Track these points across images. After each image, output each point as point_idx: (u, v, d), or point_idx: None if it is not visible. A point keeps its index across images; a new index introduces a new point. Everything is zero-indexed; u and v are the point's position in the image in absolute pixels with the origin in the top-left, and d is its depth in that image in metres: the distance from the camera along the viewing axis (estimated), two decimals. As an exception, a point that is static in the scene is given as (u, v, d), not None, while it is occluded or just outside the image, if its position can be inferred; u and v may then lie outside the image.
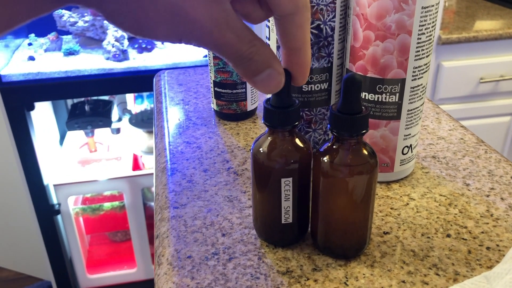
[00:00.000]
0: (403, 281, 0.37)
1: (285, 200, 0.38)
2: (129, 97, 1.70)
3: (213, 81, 0.61)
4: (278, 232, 0.40)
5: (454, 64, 1.69)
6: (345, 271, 0.38)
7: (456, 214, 0.45)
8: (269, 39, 0.48)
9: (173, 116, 0.66)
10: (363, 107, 0.35)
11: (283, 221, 0.39)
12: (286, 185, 0.38)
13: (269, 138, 0.38)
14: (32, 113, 1.39)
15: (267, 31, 0.48)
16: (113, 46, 1.42)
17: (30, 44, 1.57)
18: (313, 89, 0.48)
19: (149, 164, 1.65)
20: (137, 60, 1.42)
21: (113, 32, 1.44)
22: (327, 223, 0.39)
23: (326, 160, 0.36)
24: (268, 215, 0.40)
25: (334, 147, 0.36)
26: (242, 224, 0.44)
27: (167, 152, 0.57)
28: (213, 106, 0.64)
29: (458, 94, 1.74)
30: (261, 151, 0.38)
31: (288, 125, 0.37)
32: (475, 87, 1.73)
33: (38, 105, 1.43)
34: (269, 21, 0.47)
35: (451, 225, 0.43)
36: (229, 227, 0.43)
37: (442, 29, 1.65)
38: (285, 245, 0.41)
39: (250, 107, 0.63)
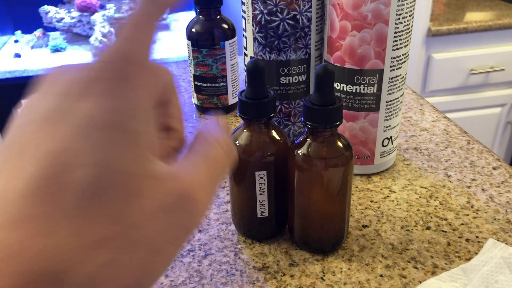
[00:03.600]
0: (381, 275, 0.36)
1: (260, 194, 0.38)
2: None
3: (193, 75, 0.60)
4: (255, 226, 0.40)
5: (445, 56, 1.68)
6: (322, 265, 0.37)
7: (437, 206, 0.44)
8: (245, 31, 0.47)
9: (155, 111, 0.65)
10: (336, 99, 0.34)
11: (258, 215, 0.39)
12: (261, 178, 0.37)
13: (244, 130, 0.37)
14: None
15: (243, 23, 0.47)
16: (100, 42, 1.40)
17: (16, 41, 1.56)
18: (291, 81, 0.47)
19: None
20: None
21: (100, 28, 1.43)
22: (304, 217, 0.38)
23: (300, 153, 0.36)
24: (245, 209, 0.40)
25: (309, 139, 0.36)
26: (219, 219, 0.43)
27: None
28: (194, 100, 0.63)
29: (448, 86, 1.73)
30: (237, 143, 0.37)
31: (264, 117, 0.36)
32: (465, 78, 1.72)
33: (25, 102, 1.41)
34: (244, 12, 0.46)
35: (431, 217, 0.43)
36: (206, 223, 0.42)
37: (432, 21, 1.64)
38: (263, 239, 0.40)
39: (231, 101, 0.62)
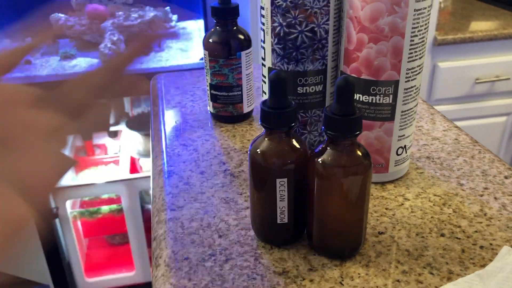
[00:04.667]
0: (398, 280, 0.37)
1: (280, 200, 0.39)
2: (126, 100, 1.70)
3: (209, 84, 0.62)
4: (275, 232, 0.41)
5: (450, 65, 1.70)
6: (340, 271, 0.39)
7: (450, 213, 0.45)
8: (264, 42, 0.48)
9: (170, 119, 0.66)
10: (356, 109, 0.36)
11: (278, 221, 0.40)
12: (281, 186, 0.38)
13: (266, 139, 0.39)
14: (30, 117, 1.39)
15: (262, 34, 0.48)
16: (109, 49, 1.42)
17: (27, 48, 1.57)
18: (308, 91, 0.48)
19: (146, 167, 1.65)
20: (134, 64, 1.42)
21: (110, 35, 1.45)
22: (322, 224, 0.39)
23: (320, 161, 0.37)
24: (265, 215, 0.41)
25: (329, 148, 0.37)
26: (238, 225, 0.44)
27: (164, 154, 0.57)
28: (210, 108, 0.64)
29: (454, 95, 1.74)
30: (258, 151, 0.39)
31: (285, 126, 0.37)
32: (471, 87, 1.74)
33: (35, 109, 1.43)
34: (263, 24, 0.47)
35: (445, 225, 0.44)
36: (226, 229, 0.44)
37: (437, 30, 1.66)
38: (282, 244, 0.41)
39: (246, 109, 0.63)
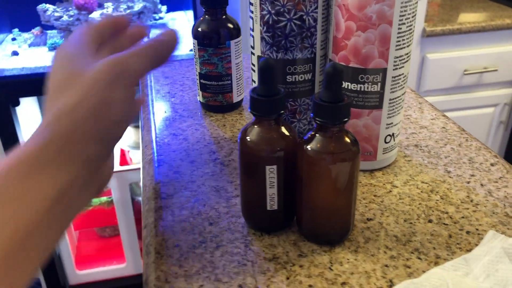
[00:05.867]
0: (386, 265, 0.38)
1: (270, 187, 0.39)
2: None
3: (199, 73, 0.62)
4: (264, 219, 0.41)
5: (439, 56, 1.71)
6: (329, 256, 0.39)
7: (438, 200, 0.46)
8: (253, 30, 0.49)
9: (160, 108, 0.66)
10: (344, 96, 0.36)
11: (268, 208, 0.40)
12: (271, 173, 0.38)
13: (255, 126, 0.39)
14: (18, 108, 1.38)
15: (251, 22, 0.48)
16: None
17: (14, 39, 1.56)
18: (297, 79, 0.48)
19: (136, 159, 1.64)
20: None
21: (98, 27, 1.43)
22: (312, 210, 0.40)
23: (309, 148, 0.37)
24: (254, 202, 0.41)
25: (317, 135, 0.37)
26: (229, 213, 0.44)
27: (154, 144, 0.57)
28: (199, 98, 0.64)
29: (443, 86, 1.76)
30: (248, 139, 0.39)
31: (274, 114, 0.38)
32: (459, 79, 1.75)
33: (24, 100, 1.42)
34: (252, 12, 0.47)
35: (433, 211, 0.44)
36: (216, 216, 0.44)
37: (426, 22, 1.67)
38: (272, 231, 0.42)
39: (236, 99, 0.63)
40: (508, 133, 1.94)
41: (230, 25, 0.59)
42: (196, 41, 0.59)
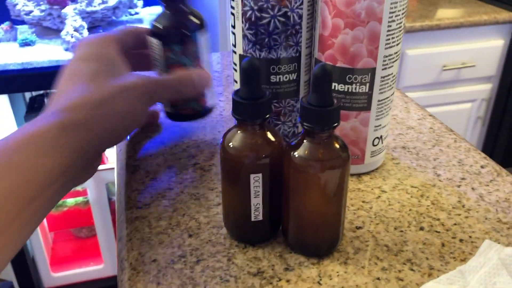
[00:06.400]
0: (378, 278, 0.36)
1: (254, 197, 0.36)
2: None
3: None
4: (249, 230, 0.39)
5: (418, 52, 1.70)
6: (318, 269, 0.37)
7: (429, 205, 0.44)
8: (234, 28, 0.46)
9: (135, 109, 0.63)
10: (334, 99, 0.34)
11: (252, 219, 0.37)
12: (256, 181, 0.36)
13: (238, 131, 0.36)
14: (-14, 107, 1.33)
15: (232, 19, 0.45)
16: (72, 37, 1.36)
17: (-18, 34, 1.49)
18: (281, 80, 0.46)
19: (112, 158, 1.60)
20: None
21: (71, 22, 1.38)
22: (299, 220, 0.37)
23: (296, 155, 0.35)
24: (238, 212, 0.38)
25: (305, 141, 0.35)
26: (210, 223, 0.41)
27: (128, 147, 0.54)
28: (166, 108, 0.54)
29: (421, 82, 1.76)
30: (231, 145, 0.36)
31: (259, 118, 0.35)
32: (438, 74, 1.75)
33: (-7, 99, 1.36)
34: (233, 8, 0.44)
35: (424, 218, 0.42)
36: (196, 227, 0.41)
37: (405, 18, 1.66)
38: (256, 243, 0.39)
39: (210, 103, 0.54)
40: (486, 129, 1.96)
41: (194, 18, 0.51)
42: (158, 41, 0.49)
